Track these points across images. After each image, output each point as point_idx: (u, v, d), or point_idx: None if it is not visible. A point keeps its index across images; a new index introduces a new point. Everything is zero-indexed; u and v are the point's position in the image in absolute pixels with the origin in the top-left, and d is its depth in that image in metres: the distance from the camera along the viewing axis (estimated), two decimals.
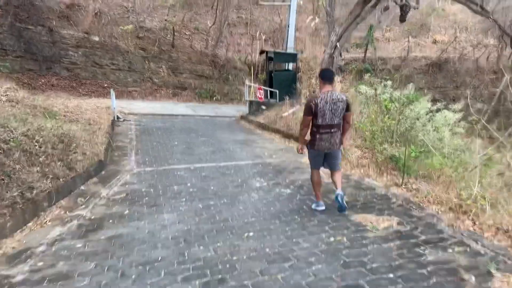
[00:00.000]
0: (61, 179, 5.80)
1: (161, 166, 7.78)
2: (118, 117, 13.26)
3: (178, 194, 5.90)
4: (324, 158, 4.76)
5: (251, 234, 4.13)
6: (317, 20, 25.62)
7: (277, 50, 15.61)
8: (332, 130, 4.49)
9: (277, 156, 8.71)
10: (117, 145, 9.55)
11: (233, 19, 24.75)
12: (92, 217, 4.97)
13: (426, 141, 6.62)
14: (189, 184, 6.43)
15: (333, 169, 4.80)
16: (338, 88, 12.12)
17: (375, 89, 8.47)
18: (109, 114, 12.77)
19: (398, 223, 4.17)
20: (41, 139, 6.38)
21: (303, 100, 14.00)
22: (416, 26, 25.37)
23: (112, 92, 13.74)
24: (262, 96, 14.39)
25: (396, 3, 10.86)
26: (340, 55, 14.23)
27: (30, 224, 4.75)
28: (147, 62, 19.22)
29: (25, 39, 16.04)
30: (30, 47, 16.23)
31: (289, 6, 15.49)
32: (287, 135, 10.96)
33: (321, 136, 4.52)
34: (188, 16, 22.82)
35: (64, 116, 10.37)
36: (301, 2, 26.41)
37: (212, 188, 6.19)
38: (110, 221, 4.81)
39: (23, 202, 4.77)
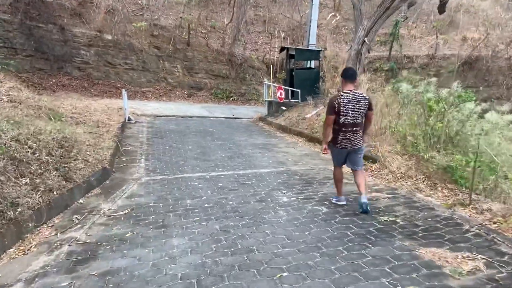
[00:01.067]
0: (55, 192, 4.95)
1: (173, 174, 6.88)
2: (129, 119, 12.47)
3: (191, 210, 4.98)
4: (346, 156, 4.81)
5: (284, 274, 3.15)
6: (338, 17, 24.51)
7: (299, 47, 14.64)
8: (355, 129, 4.55)
9: (303, 163, 7.72)
10: (126, 149, 8.71)
11: (251, 16, 23.85)
12: (87, 241, 4.08)
13: (485, 148, 5.53)
14: (204, 198, 5.50)
15: (355, 167, 4.82)
16: (365, 88, 11.07)
17: (415, 87, 7.40)
18: (120, 115, 12.00)
19: (487, 265, 3.12)
20: (35, 144, 5.55)
21: (327, 100, 12.97)
22: (444, 22, 23.97)
23: (124, 93, 12.96)
24: (283, 96, 13.42)
25: None
26: (368, 51, 13.13)
27: (11, 250, 3.90)
28: (161, 61, 18.46)
29: (36, 37, 15.44)
30: (41, 46, 15.63)
31: (311, 0, 14.48)
32: (311, 139, 9.96)
33: (344, 134, 4.58)
34: (204, 14, 22.02)
35: (71, 118, 9.61)
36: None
37: (230, 203, 5.25)
38: (108, 247, 3.92)
39: (2, 224, 3.92)
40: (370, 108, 4.58)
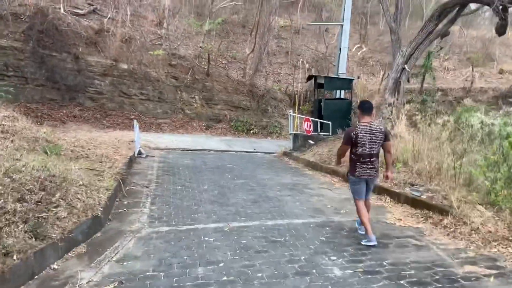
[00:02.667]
0: (15, 256, 3.54)
1: (182, 223, 5.42)
2: (140, 153, 11.21)
3: (205, 287, 3.47)
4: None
5: None
6: (364, 48, 23.39)
7: (329, 75, 13.38)
8: (372, 159, 4.67)
9: (346, 212, 6.16)
10: (131, 189, 7.34)
11: (273, 48, 22.96)
12: None
13: None
14: (222, 264, 4.00)
15: (366, 197, 4.91)
16: (402, 122, 9.58)
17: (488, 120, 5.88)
18: (130, 149, 10.76)
19: None
20: (1, 186, 4.21)
21: None
22: (479, 55, 22.54)
23: (136, 124, 11.79)
24: (311, 129, 12.01)
25: (496, 11, 8.30)
26: (408, 80, 11.73)
27: None
28: (179, 91, 17.46)
29: (48, 66, 14.68)
30: (53, 75, 14.83)
31: (341, 26, 13.33)
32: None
33: (361, 164, 4.70)
34: (224, 45, 21.22)
35: (72, 151, 8.36)
36: None
37: (259, 275, 3.73)
38: None
39: None
40: (387, 138, 4.69)
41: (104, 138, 12.10)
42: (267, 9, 20.28)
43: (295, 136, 13.22)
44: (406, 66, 10.88)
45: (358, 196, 4.87)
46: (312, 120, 12.15)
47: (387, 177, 4.93)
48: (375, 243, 4.57)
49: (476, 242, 4.27)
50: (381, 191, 7.08)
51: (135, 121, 12.02)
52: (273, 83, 20.70)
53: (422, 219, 5.43)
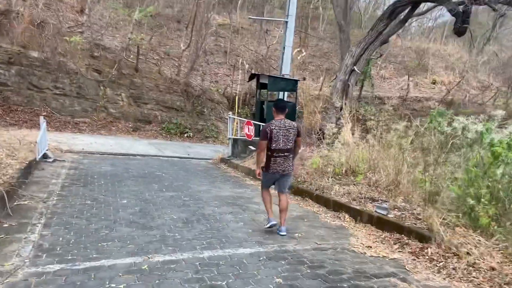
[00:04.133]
0: None
1: (82, 258, 3.83)
2: (46, 156, 9.18)
3: None
4: (275, 180, 5.10)
5: None
6: (304, 53, 22.86)
7: (273, 75, 12.30)
8: (286, 154, 4.91)
9: (302, 235, 4.95)
10: (21, 204, 5.51)
11: (210, 46, 21.57)
12: None
13: None
14: None
15: (282, 191, 5.12)
16: (349, 128, 8.76)
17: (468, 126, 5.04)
18: (31, 151, 8.67)
19: None
20: None
21: (308, 139, 10.52)
22: (414, 63, 23.10)
23: (42, 121, 9.74)
24: (252, 133, 10.78)
25: (452, 11, 7.74)
26: (356, 83, 11.01)
27: None
28: (102, 87, 15.33)
29: None
30: None
31: (285, 23, 12.34)
32: (299, 191, 7.27)
33: (275, 159, 4.90)
34: (157, 39, 19.38)
35: None
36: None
37: None
38: None
39: None
40: (298, 134, 4.99)
41: (2, 137, 9.81)
42: (204, 4, 18.85)
43: (235, 141, 11.92)
44: (355, 68, 10.12)
45: (265, 186, 5.19)
46: (254, 123, 10.93)
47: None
48: (275, 222, 4.93)
49: (483, 286, 3.25)
50: (337, 207, 6.01)
51: (41, 117, 9.92)
52: (210, 84, 19.28)
53: (397, 246, 4.38)
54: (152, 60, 18.03)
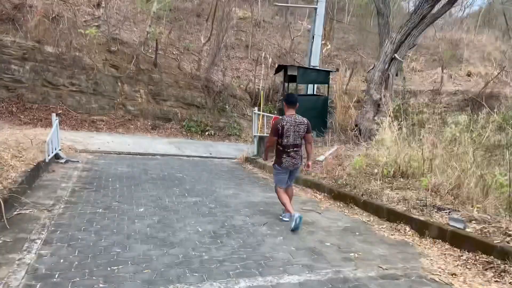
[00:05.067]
0: None
1: None
2: (58, 157, 8.46)
3: None
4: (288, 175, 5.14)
5: None
6: (329, 46, 21.73)
7: (303, 66, 11.27)
8: (295, 149, 4.95)
9: (358, 255, 3.96)
10: (22, 214, 4.73)
11: (231, 40, 20.66)
12: None
13: None
14: None
15: (290, 183, 5.25)
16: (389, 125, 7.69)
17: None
18: (42, 151, 7.94)
19: None
20: None
21: (343, 137, 9.50)
22: (448, 54, 21.65)
23: (54, 119, 9.02)
24: None
25: None
26: (397, 74, 9.92)
27: None
28: (119, 83, 14.63)
29: None
30: None
31: (315, 10, 11.30)
32: (339, 195, 6.27)
33: (288, 154, 4.93)
34: (176, 33, 18.61)
35: None
36: (309, 26, 22.72)
37: None
38: None
39: None
40: (308, 131, 4.95)
41: (14, 136, 9.17)
42: None
43: (260, 139, 10.97)
44: (396, 55, 9.03)
45: (280, 185, 5.15)
46: None
47: (308, 166, 5.16)
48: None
49: None
50: (393, 216, 4.99)
51: (53, 115, 9.21)
52: (232, 79, 18.39)
53: (491, 274, 3.36)
54: (171, 55, 17.25)
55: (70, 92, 13.67)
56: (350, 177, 6.63)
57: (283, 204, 5.05)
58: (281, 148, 4.93)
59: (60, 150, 9.10)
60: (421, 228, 4.49)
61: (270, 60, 18.36)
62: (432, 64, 21.88)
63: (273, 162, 5.22)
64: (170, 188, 6.76)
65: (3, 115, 12.30)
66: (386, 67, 9.31)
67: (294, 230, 4.61)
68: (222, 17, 17.09)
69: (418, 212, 4.83)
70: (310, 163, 5.15)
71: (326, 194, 6.63)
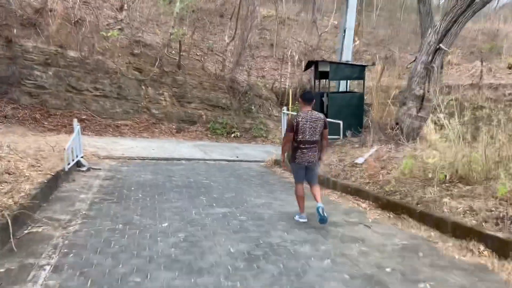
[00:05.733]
0: None
1: None
2: (80, 165, 8.03)
3: None
4: (305, 172, 5.08)
5: None
6: (358, 41, 20.76)
7: (336, 61, 10.51)
8: (312, 146, 4.93)
9: (429, 283, 3.20)
10: (33, 232, 4.23)
11: (255, 39, 20.03)
12: None
13: None
14: None
15: (312, 182, 5.13)
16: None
17: None
18: (62, 159, 7.52)
19: None
20: None
21: (382, 136, 8.68)
22: (488, 46, 20.29)
23: (76, 124, 8.63)
24: None
25: None
26: (442, 66, 9.04)
27: None
28: (143, 87, 14.26)
29: None
30: None
31: (346, 2, 10.51)
32: (394, 206, 5.48)
33: (302, 151, 4.92)
34: (199, 34, 18.15)
35: None
36: (336, 22, 21.86)
37: None
38: None
39: None
40: (325, 126, 4.97)
41: (36, 144, 8.84)
42: None
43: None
44: (441, 45, 8.14)
45: (298, 180, 5.15)
46: None
47: (319, 159, 5.15)
48: (306, 220, 4.98)
49: None
50: (460, 231, 4.18)
51: (75, 120, 8.82)
52: (257, 79, 17.78)
53: None
54: (195, 56, 16.80)
55: (94, 97, 13.37)
56: (398, 182, 5.83)
57: (297, 199, 5.15)
58: (295, 144, 4.93)
59: (82, 157, 8.70)
60: (501, 248, 3.68)
61: (296, 57, 17.60)
62: (469, 57, 20.57)
63: (289, 159, 5.25)
64: (196, 197, 6.16)
65: (27, 122, 12.08)
66: (429, 59, 8.42)
67: (321, 222, 4.71)
68: (246, 16, 16.51)
69: (492, 226, 4.01)
70: (322, 155, 5.20)
71: (371, 202, 5.86)
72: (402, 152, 7.66)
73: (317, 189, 5.04)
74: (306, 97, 4.97)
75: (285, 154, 5.30)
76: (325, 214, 4.70)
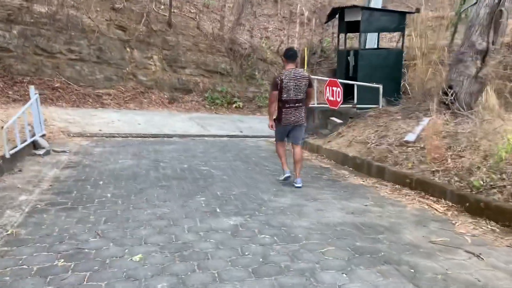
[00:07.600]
0: None
1: None
2: (38, 146, 6.07)
3: None
4: (289, 132, 4.97)
5: None
6: None
7: (368, 7, 8.32)
8: (297, 105, 4.77)
9: None
10: None
11: None
12: None
13: None
14: None
15: (295, 142, 4.98)
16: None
17: None
18: (12, 140, 5.54)
19: None
20: None
21: (430, 104, 6.69)
22: None
23: (33, 93, 6.62)
24: (340, 99, 7.08)
25: None
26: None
27: None
28: (128, 49, 12.07)
29: None
30: None
31: None
32: (483, 209, 3.57)
33: (287, 110, 4.77)
34: None
35: None
36: None
37: None
38: None
39: None
40: (310, 85, 4.85)
41: None
42: None
43: (309, 111, 8.29)
44: None
45: (278, 139, 5.08)
46: (340, 82, 7.18)
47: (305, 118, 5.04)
48: (289, 174, 4.89)
49: None
50: None
51: (31, 88, 6.78)
52: (261, 40, 15.55)
53: None
54: (188, 14, 14.48)
55: (68, 61, 11.21)
56: (491, 172, 3.91)
57: (279, 158, 5.04)
58: (280, 105, 4.78)
59: (44, 135, 6.73)
60: None
61: (306, 13, 15.29)
62: None
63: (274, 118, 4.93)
64: (191, 198, 4.24)
65: None
66: (495, 2, 6.35)
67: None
68: None
69: None
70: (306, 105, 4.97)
71: (450, 204, 3.96)
72: (464, 124, 5.74)
73: (299, 153, 4.88)
74: (288, 54, 4.86)
75: (273, 116, 4.88)
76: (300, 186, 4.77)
